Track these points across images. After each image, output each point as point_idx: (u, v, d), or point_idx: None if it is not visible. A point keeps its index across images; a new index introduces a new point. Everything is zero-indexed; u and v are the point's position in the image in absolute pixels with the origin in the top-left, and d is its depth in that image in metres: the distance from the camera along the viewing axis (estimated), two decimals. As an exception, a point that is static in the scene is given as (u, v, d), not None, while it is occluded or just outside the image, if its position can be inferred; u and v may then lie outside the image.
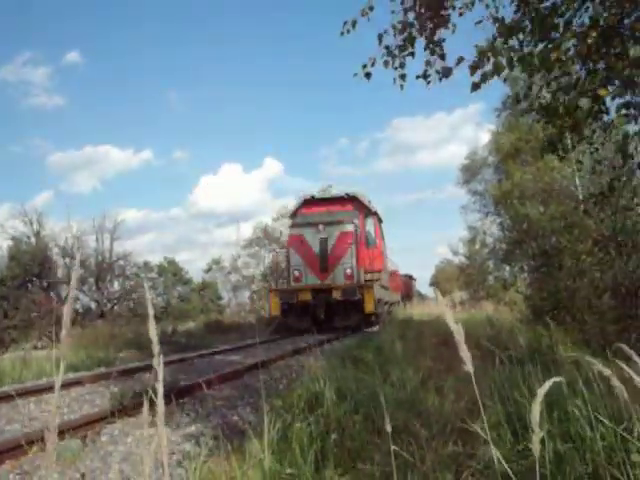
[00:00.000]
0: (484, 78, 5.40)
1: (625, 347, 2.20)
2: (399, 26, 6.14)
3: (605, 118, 6.34)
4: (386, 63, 6.22)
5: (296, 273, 17.76)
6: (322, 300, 16.92)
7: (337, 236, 17.41)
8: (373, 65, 6.22)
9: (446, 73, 5.98)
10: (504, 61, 5.19)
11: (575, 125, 6.26)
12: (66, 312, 1.40)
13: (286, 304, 17.24)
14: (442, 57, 6.19)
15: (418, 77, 6.30)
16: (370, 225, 19.62)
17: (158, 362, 1.50)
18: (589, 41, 5.11)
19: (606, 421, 3.02)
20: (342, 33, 6.16)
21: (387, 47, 6.18)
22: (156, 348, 1.49)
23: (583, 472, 2.95)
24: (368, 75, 6.24)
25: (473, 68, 5.46)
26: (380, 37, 6.14)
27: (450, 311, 1.75)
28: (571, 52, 5.46)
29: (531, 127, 15.84)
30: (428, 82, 6.20)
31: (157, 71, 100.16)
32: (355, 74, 6.26)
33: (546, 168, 18.56)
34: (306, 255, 17.67)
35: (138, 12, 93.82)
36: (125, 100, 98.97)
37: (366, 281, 17.70)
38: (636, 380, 1.99)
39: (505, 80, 6.41)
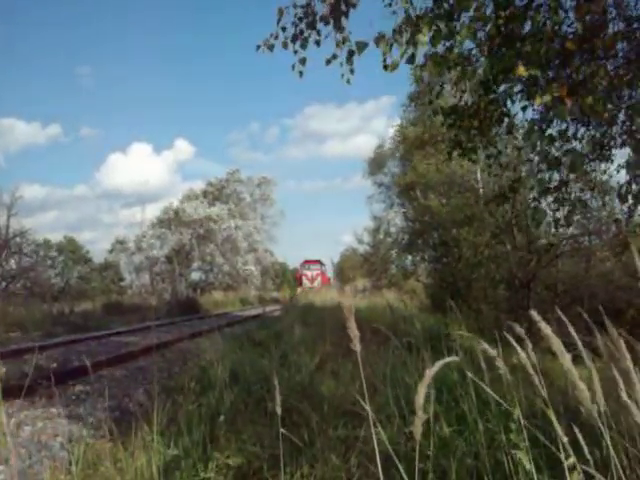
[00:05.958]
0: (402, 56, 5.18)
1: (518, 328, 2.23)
2: (301, 12, 5.92)
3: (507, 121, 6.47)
4: (285, 44, 5.90)
5: (305, 283, 44.37)
6: (312, 289, 39.35)
7: (315, 273, 45.85)
8: (277, 39, 5.95)
9: (361, 48, 5.55)
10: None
11: (480, 127, 6.34)
12: None
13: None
14: (341, 30, 5.82)
15: (328, 62, 5.87)
16: (323, 268, 47.56)
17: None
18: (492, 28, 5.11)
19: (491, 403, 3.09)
20: None
21: (284, 28, 5.87)
22: None
23: (466, 453, 3.01)
24: (271, 47, 5.97)
25: (379, 39, 5.22)
26: (281, 12, 5.80)
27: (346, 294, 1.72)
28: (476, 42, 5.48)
29: (433, 122, 16.46)
30: (343, 75, 5.91)
31: (68, 45, 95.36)
32: (258, 47, 5.95)
33: (447, 161, 19.08)
34: (307, 278, 45.27)
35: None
36: (35, 72, 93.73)
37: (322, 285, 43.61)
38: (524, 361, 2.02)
39: (415, 71, 6.23)
